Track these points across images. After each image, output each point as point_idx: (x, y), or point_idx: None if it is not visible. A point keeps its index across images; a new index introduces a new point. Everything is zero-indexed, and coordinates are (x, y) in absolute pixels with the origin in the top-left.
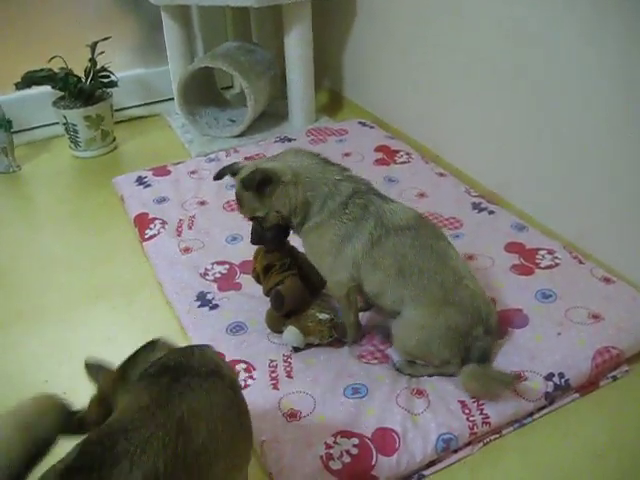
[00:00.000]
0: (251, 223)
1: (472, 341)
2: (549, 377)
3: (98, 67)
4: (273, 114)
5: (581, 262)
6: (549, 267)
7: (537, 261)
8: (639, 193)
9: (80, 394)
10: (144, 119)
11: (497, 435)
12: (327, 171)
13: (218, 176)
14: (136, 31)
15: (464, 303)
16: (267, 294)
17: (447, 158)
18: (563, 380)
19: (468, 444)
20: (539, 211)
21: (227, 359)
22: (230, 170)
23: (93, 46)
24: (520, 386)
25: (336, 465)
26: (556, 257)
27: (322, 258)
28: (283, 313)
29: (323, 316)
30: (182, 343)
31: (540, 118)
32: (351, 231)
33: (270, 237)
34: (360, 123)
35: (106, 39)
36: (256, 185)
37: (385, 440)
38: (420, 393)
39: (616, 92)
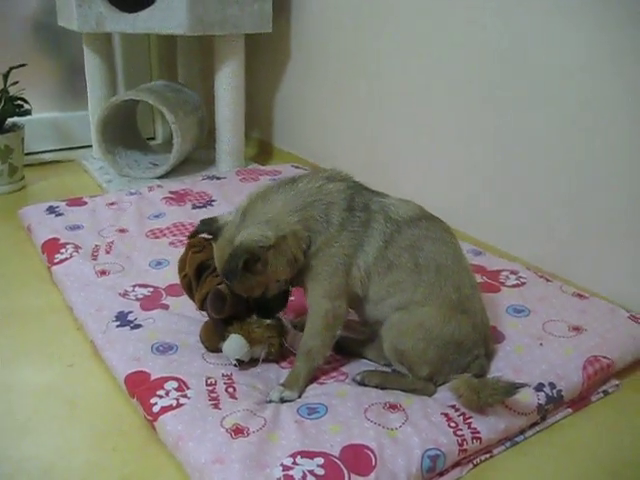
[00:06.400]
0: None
1: (471, 361)
2: (539, 387)
3: (11, 95)
4: (199, 160)
5: (548, 280)
6: (516, 286)
7: (502, 280)
8: (601, 210)
9: None
10: (57, 164)
11: (488, 455)
12: (306, 189)
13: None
14: (54, 72)
15: (476, 316)
16: (201, 306)
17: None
18: (555, 391)
19: (456, 465)
20: (493, 237)
21: (153, 377)
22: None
23: (6, 74)
24: (509, 399)
25: None
26: (520, 276)
27: (330, 279)
28: (224, 316)
29: (271, 321)
30: (96, 366)
31: (488, 151)
32: (362, 237)
33: (276, 305)
34: (294, 166)
35: (21, 66)
36: (242, 270)
37: (358, 458)
38: (394, 407)
39: (573, 113)
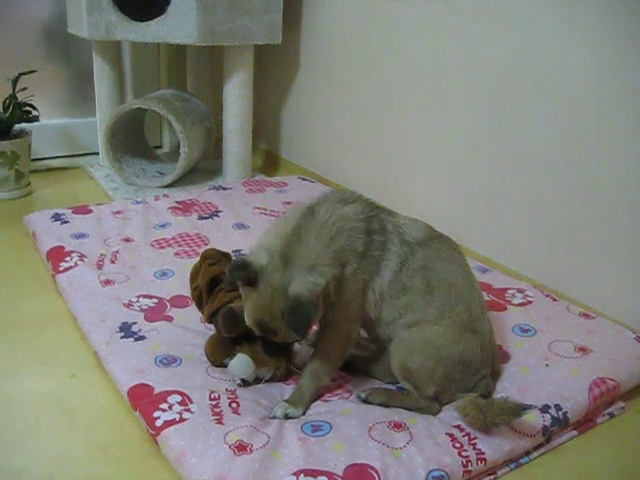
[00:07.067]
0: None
1: (477, 381)
2: (545, 409)
3: (19, 101)
4: (205, 170)
5: (554, 299)
6: (522, 304)
7: (508, 299)
8: (609, 232)
9: None
10: (63, 170)
11: (492, 477)
12: (327, 217)
13: (231, 281)
14: (63, 79)
15: (485, 337)
16: (209, 320)
17: (400, 210)
18: (561, 413)
19: None
20: (501, 255)
21: (157, 391)
22: (245, 275)
23: (15, 79)
24: (515, 420)
25: None
26: (527, 295)
27: (348, 304)
28: (234, 335)
29: None
30: (99, 377)
31: (496, 166)
32: (380, 261)
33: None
34: (300, 178)
35: (31, 72)
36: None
37: (361, 477)
38: (398, 426)
39: (581, 128)
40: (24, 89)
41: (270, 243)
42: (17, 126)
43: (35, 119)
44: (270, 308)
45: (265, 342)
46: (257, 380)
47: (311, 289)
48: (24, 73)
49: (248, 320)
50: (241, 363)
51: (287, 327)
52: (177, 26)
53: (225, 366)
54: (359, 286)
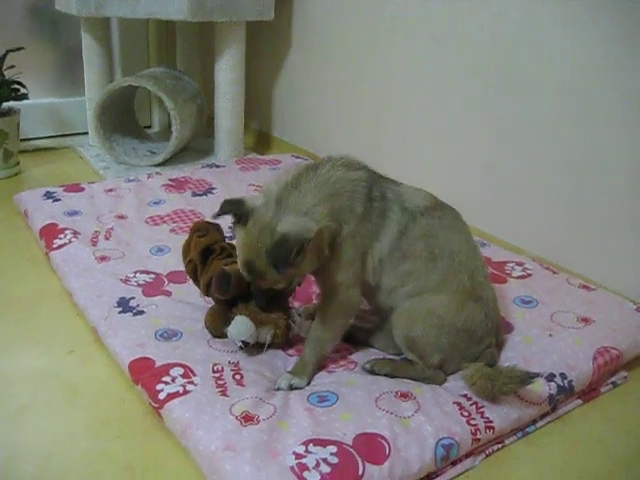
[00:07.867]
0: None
1: (482, 350)
2: (550, 378)
3: (7, 78)
4: (197, 149)
5: (554, 272)
6: (522, 277)
7: (508, 271)
8: (607, 205)
9: None
10: (52, 150)
11: (500, 445)
12: (329, 176)
13: (220, 212)
14: (51, 57)
15: (489, 305)
16: (206, 291)
17: None
18: (566, 381)
19: (469, 455)
20: (498, 229)
21: (158, 364)
22: (235, 210)
23: (2, 57)
24: (522, 389)
25: (313, 477)
26: (527, 268)
27: (347, 269)
28: (229, 297)
29: None
30: (98, 353)
31: (495, 140)
32: (379, 228)
33: (283, 299)
34: (294, 156)
35: (19, 49)
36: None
37: (371, 446)
38: (405, 396)
39: (576, 105)
40: (12, 67)
41: (268, 189)
42: (5, 104)
43: (24, 97)
44: (256, 246)
45: (257, 294)
46: (259, 346)
47: (300, 231)
48: (11, 50)
49: (239, 263)
50: (239, 324)
51: (269, 264)
52: (167, 1)
53: (226, 336)
54: (357, 249)
